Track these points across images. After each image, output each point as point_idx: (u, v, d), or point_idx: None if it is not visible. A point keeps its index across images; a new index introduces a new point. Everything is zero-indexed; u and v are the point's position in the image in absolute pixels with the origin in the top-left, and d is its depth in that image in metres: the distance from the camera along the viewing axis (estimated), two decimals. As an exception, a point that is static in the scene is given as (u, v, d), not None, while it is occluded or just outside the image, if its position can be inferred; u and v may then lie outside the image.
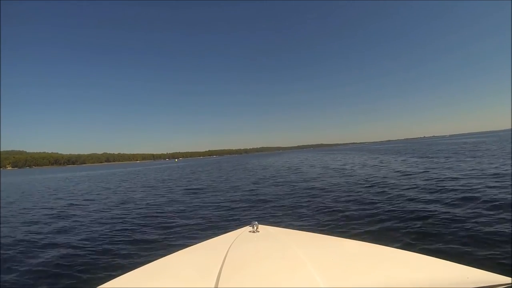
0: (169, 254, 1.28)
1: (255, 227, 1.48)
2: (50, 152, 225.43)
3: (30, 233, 4.73)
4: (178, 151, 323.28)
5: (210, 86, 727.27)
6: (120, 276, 1.07)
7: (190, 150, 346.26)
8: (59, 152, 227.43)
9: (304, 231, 1.55)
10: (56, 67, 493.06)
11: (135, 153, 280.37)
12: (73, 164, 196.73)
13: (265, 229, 1.52)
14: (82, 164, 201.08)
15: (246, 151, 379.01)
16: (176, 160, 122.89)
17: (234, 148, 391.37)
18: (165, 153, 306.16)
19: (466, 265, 0.93)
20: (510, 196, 4.49)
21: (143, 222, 5.06)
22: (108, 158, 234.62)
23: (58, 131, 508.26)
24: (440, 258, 0.99)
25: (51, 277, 2.89)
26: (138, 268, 1.14)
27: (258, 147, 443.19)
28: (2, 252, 3.66)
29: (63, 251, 3.65)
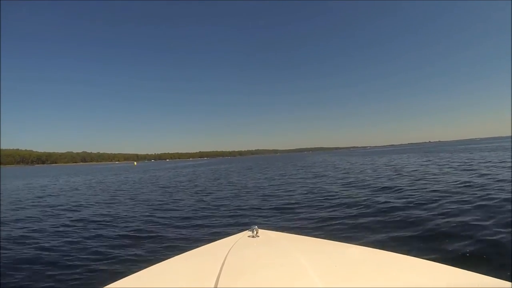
0: (166, 259, 1.23)
1: (255, 232, 1.41)
2: (23, 149, 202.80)
3: None
4: (166, 152, 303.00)
5: (204, 84, 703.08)
6: (116, 282, 1.04)
7: (179, 151, 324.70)
8: (35, 150, 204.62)
9: (306, 235, 1.50)
10: (40, 61, 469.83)
11: (123, 152, 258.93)
12: (43, 164, 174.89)
13: (265, 234, 1.47)
14: (52, 163, 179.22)
15: (240, 153, 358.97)
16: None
17: (227, 150, 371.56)
18: (153, 153, 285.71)
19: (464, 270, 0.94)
20: None
21: None
22: (84, 158, 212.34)
23: (41, 128, 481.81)
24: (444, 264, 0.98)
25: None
26: (135, 274, 1.10)
27: (253, 149, 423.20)
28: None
29: None
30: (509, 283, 0.79)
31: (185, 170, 25.07)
